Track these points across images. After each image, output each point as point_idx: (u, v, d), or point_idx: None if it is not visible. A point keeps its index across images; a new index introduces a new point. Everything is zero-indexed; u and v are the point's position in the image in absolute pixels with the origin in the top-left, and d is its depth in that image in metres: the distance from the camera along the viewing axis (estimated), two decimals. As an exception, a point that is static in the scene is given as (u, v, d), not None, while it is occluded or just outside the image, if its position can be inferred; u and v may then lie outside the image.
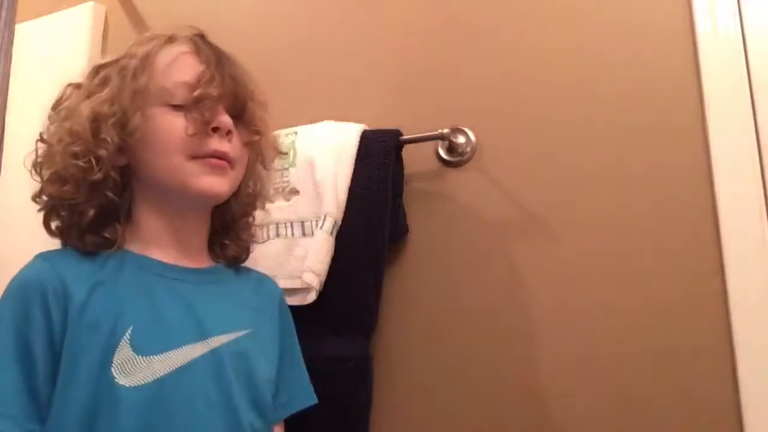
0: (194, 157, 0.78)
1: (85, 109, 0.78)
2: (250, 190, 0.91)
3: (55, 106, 0.82)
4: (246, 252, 0.93)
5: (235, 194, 0.88)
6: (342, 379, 1.05)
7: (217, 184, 0.80)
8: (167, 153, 0.78)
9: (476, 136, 1.16)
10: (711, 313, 0.95)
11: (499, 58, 1.17)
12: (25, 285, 0.73)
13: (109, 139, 0.76)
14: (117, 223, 0.79)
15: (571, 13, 1.13)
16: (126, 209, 0.81)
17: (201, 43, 0.83)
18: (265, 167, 0.92)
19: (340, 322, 1.08)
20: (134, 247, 0.80)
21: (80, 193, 0.77)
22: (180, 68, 0.80)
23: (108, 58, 0.84)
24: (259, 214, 0.96)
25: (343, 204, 1.09)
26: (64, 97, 0.82)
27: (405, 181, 1.17)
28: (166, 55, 0.81)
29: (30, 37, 1.62)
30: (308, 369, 1.06)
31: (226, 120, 0.80)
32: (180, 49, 0.82)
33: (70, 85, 0.83)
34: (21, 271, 0.75)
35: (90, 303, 0.73)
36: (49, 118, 0.82)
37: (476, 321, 1.10)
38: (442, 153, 1.18)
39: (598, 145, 1.07)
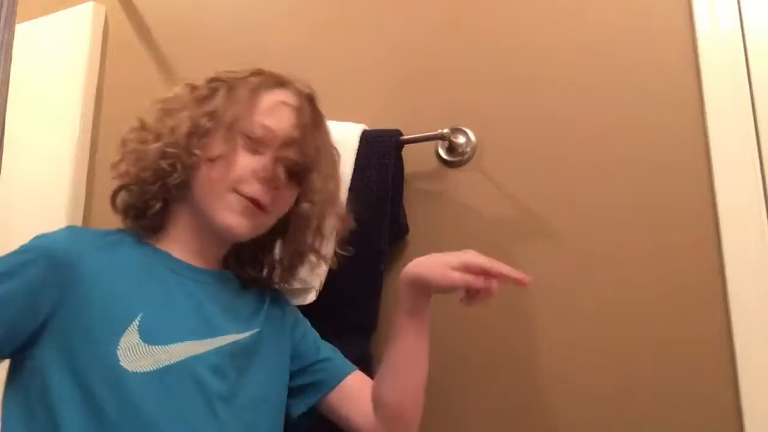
0: (235, 190, 0.82)
1: (186, 118, 0.83)
2: (301, 247, 0.92)
3: (168, 101, 0.87)
4: (268, 284, 0.95)
5: (283, 240, 0.92)
6: (342, 379, 1.05)
7: (242, 226, 0.83)
8: (221, 182, 0.82)
9: (476, 136, 1.16)
10: (711, 313, 0.96)
11: (499, 59, 1.17)
12: (42, 247, 0.75)
13: (198, 152, 0.81)
14: (167, 213, 0.85)
15: (571, 14, 1.13)
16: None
17: (306, 104, 0.87)
18: (320, 234, 0.94)
19: (341, 322, 1.08)
20: (155, 240, 0.84)
21: (155, 185, 0.82)
22: (274, 114, 0.85)
23: (228, 72, 0.88)
24: None
25: (343, 204, 1.09)
26: (176, 94, 0.87)
27: (405, 181, 1.17)
28: (271, 97, 0.86)
29: (30, 37, 1.63)
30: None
31: (281, 177, 0.83)
32: (285, 97, 0.86)
33: (187, 84, 0.88)
34: (46, 234, 0.78)
35: (102, 284, 0.75)
36: (156, 105, 0.86)
37: (475, 320, 1.10)
38: (442, 153, 1.18)
39: (598, 145, 1.07)
